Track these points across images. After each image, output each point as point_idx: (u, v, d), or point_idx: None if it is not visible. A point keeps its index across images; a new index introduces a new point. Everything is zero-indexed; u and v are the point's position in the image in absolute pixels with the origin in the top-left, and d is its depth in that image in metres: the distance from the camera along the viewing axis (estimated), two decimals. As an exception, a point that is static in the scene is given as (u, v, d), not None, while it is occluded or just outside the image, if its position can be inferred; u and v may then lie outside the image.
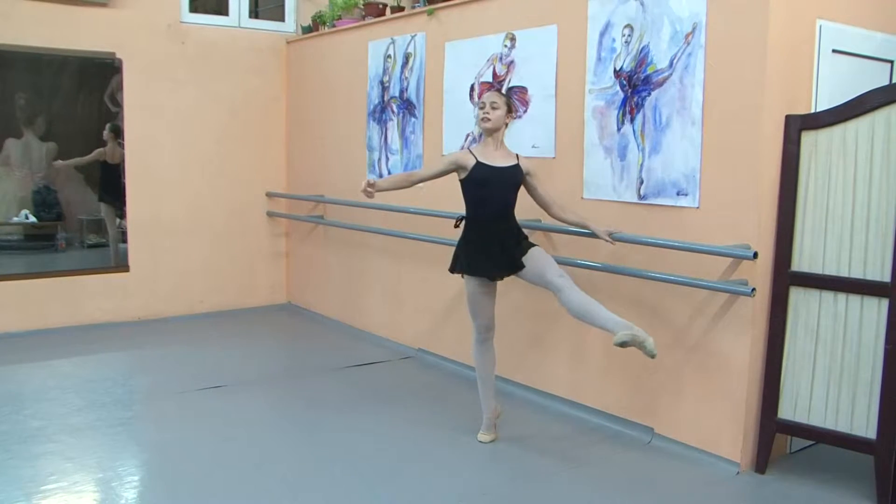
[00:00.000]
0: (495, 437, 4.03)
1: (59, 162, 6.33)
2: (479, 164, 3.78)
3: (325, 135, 6.65)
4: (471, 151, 3.85)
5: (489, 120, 3.82)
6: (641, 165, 3.98)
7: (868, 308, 3.37)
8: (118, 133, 6.41)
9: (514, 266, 3.80)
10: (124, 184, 6.41)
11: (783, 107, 3.56)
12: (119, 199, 6.46)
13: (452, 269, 3.95)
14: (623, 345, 3.37)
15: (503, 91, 4.66)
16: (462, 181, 3.84)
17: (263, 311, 7.15)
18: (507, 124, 3.90)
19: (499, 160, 3.83)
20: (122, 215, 6.48)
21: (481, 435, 4.02)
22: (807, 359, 3.55)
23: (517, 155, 3.92)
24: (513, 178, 3.84)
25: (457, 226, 3.98)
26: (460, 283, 4.03)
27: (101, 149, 6.42)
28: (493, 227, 3.81)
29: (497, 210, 3.82)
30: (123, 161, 6.41)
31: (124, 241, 6.50)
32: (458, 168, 3.83)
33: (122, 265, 6.49)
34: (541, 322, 4.60)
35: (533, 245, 3.86)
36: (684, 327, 3.86)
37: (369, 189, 3.71)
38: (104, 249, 6.62)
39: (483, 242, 3.80)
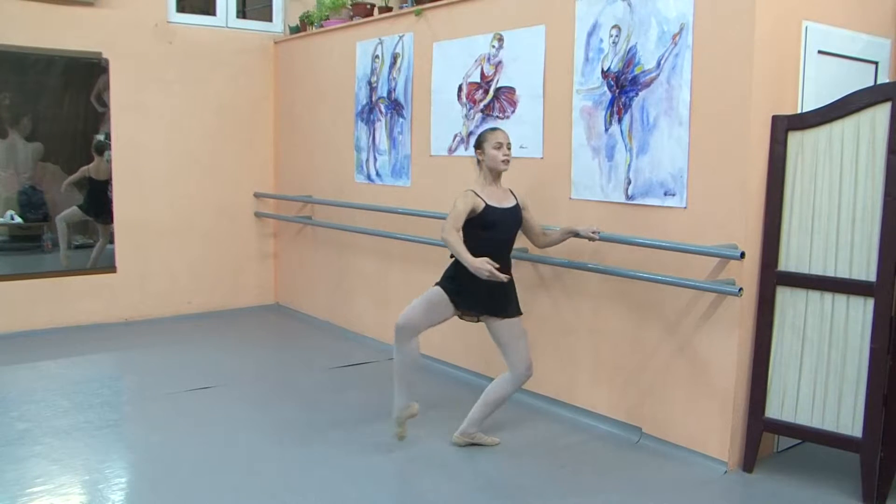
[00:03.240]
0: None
1: (63, 185, 6.33)
2: (488, 207, 3.73)
3: (313, 135, 6.64)
4: (477, 194, 3.74)
5: (509, 161, 3.79)
6: (629, 166, 3.99)
7: (854, 307, 3.40)
8: (102, 150, 6.37)
9: (492, 312, 3.81)
10: (111, 199, 6.39)
11: (770, 107, 3.57)
12: (105, 215, 6.43)
13: (441, 286, 3.84)
14: (459, 444, 3.97)
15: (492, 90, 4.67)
16: (466, 221, 3.72)
17: (251, 311, 7.13)
18: None
19: (504, 201, 3.81)
20: (110, 220, 6.45)
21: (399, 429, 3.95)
22: (793, 358, 3.57)
23: (510, 190, 3.89)
24: (517, 218, 3.85)
25: (452, 255, 3.86)
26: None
27: (86, 166, 6.39)
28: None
29: (500, 251, 3.79)
30: (109, 178, 6.38)
31: (111, 241, 6.47)
32: (471, 212, 3.73)
33: (108, 266, 6.46)
34: (530, 323, 4.60)
35: (520, 313, 3.88)
36: (672, 327, 3.88)
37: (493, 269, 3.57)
38: (90, 251, 6.57)
39: (480, 280, 3.63)
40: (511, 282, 3.86)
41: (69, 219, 6.47)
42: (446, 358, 5.29)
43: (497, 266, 3.55)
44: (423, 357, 5.44)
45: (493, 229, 3.75)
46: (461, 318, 3.93)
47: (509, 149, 3.80)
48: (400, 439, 3.94)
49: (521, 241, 4.51)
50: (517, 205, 3.86)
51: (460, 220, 3.68)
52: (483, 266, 3.52)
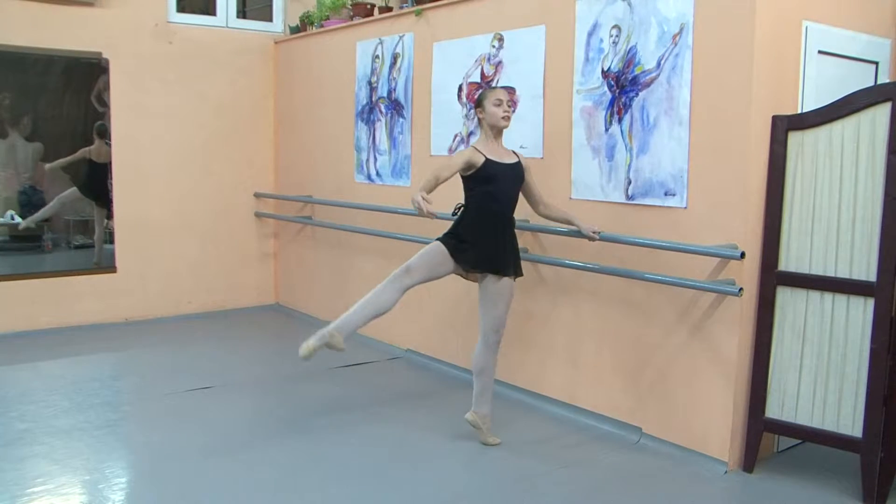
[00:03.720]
0: (312, 352, 3.85)
1: (48, 165, 6.28)
2: (488, 161, 3.79)
3: (313, 135, 6.64)
4: (478, 150, 3.83)
5: (509, 118, 3.85)
6: (629, 166, 3.99)
7: (854, 308, 3.39)
8: (103, 133, 6.38)
9: (492, 269, 3.83)
10: (111, 183, 6.39)
11: (770, 107, 3.57)
12: (104, 198, 6.43)
13: (441, 240, 3.87)
14: (470, 424, 4.00)
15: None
16: (468, 177, 3.83)
17: (251, 311, 7.13)
18: None
19: (505, 157, 3.88)
20: (110, 215, 6.45)
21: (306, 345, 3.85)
22: (794, 358, 3.57)
23: (514, 151, 3.96)
24: (518, 174, 3.90)
25: (455, 213, 3.95)
26: (450, 285, 4.03)
27: (86, 147, 6.38)
28: (495, 222, 3.83)
29: (502, 207, 3.86)
30: (110, 161, 6.38)
31: (111, 241, 6.47)
32: (468, 166, 3.80)
33: (108, 266, 6.46)
34: (530, 323, 4.61)
35: (519, 275, 3.92)
36: (672, 327, 3.88)
37: (428, 205, 3.50)
38: (91, 250, 6.58)
39: (481, 235, 3.80)
40: (514, 242, 3.92)
41: (67, 199, 6.44)
42: (444, 357, 5.29)
43: (428, 201, 3.51)
44: (420, 355, 5.47)
45: (494, 183, 3.80)
46: (465, 278, 3.96)
47: (510, 106, 3.86)
48: (305, 357, 3.81)
49: (521, 242, 4.52)
50: (519, 163, 3.92)
51: (448, 169, 3.74)
52: (415, 196, 3.51)
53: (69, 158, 6.36)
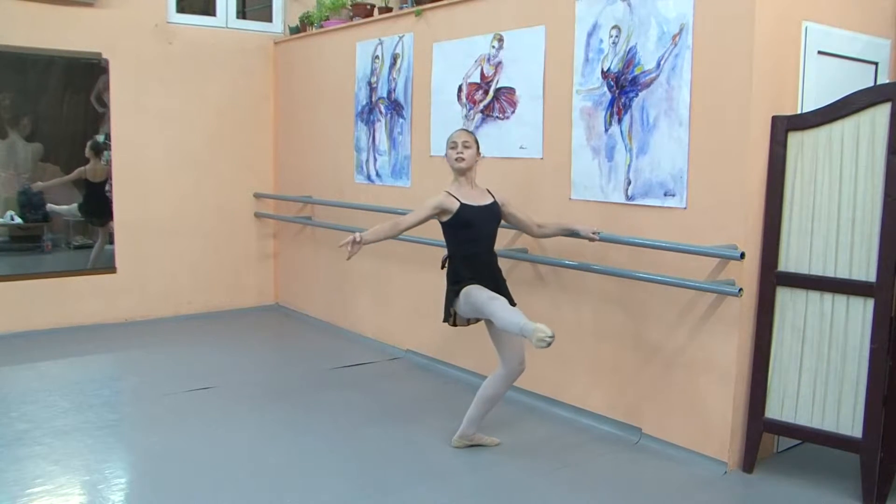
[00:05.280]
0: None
1: (40, 184, 6.25)
2: (463, 206, 3.75)
3: (313, 135, 6.64)
4: (451, 194, 3.78)
5: (463, 160, 3.79)
6: (629, 166, 3.99)
7: (854, 308, 3.39)
8: (99, 151, 6.37)
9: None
10: (108, 202, 6.39)
11: (770, 108, 3.57)
12: (103, 218, 6.43)
13: (469, 284, 3.73)
14: (460, 447, 3.93)
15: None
16: (445, 223, 3.80)
17: (251, 312, 7.13)
18: (476, 162, 3.87)
19: (479, 199, 3.83)
20: (110, 239, 6.46)
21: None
22: (793, 358, 3.57)
23: (488, 190, 3.91)
24: (495, 215, 3.87)
25: (444, 267, 3.90)
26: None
27: (82, 167, 6.38)
28: (483, 263, 3.80)
29: (484, 247, 3.83)
30: (106, 179, 6.38)
31: (111, 242, 6.47)
32: (441, 212, 3.78)
33: (108, 266, 6.46)
34: (529, 322, 4.60)
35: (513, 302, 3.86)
36: (671, 328, 3.88)
37: (356, 245, 3.60)
38: (91, 251, 6.57)
39: (480, 280, 3.72)
40: (501, 273, 3.90)
41: (73, 212, 6.45)
42: (444, 358, 5.29)
43: (357, 240, 3.61)
44: (420, 356, 5.47)
45: (472, 227, 3.78)
46: (452, 325, 3.92)
47: (466, 147, 3.79)
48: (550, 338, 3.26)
49: (521, 242, 4.52)
50: (495, 202, 3.88)
51: (415, 215, 3.76)
52: (353, 236, 3.61)
53: (64, 178, 6.33)
